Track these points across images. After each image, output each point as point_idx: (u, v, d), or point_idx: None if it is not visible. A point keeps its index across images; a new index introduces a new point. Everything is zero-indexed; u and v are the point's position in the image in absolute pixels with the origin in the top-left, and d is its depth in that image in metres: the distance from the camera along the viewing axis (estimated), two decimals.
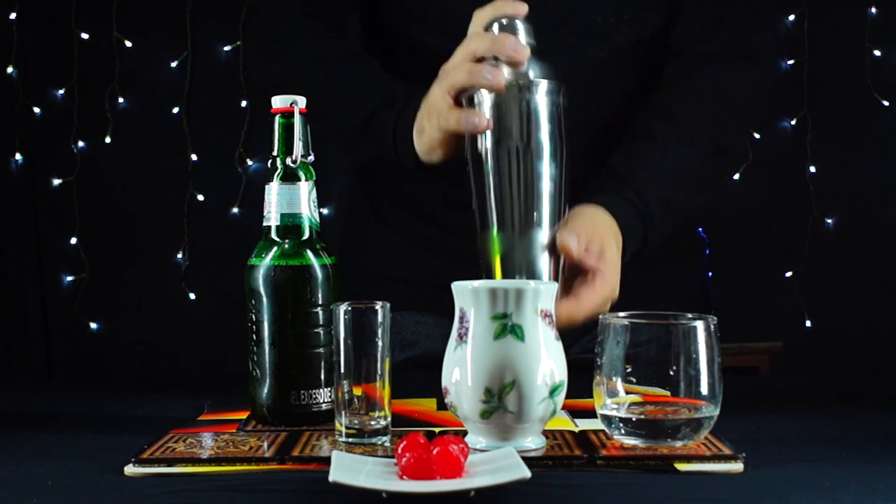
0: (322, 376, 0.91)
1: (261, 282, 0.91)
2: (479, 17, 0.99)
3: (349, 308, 0.83)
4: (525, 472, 0.67)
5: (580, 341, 1.20)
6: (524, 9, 0.97)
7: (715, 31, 1.20)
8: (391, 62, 1.20)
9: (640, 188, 1.09)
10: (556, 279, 0.97)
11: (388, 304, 0.84)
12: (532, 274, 0.96)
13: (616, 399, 0.81)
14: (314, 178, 0.94)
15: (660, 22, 1.20)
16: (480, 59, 0.97)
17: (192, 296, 3.24)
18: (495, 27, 0.98)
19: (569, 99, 0.98)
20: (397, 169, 1.12)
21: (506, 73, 0.95)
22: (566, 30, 1.15)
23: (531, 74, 0.96)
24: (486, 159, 0.96)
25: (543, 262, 0.96)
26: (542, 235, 0.96)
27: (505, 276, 0.96)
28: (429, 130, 1.03)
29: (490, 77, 0.94)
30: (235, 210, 3.23)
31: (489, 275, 0.97)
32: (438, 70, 1.01)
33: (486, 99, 0.97)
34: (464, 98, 0.99)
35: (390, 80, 1.16)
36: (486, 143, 0.96)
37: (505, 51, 0.95)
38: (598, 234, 1.01)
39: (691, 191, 1.17)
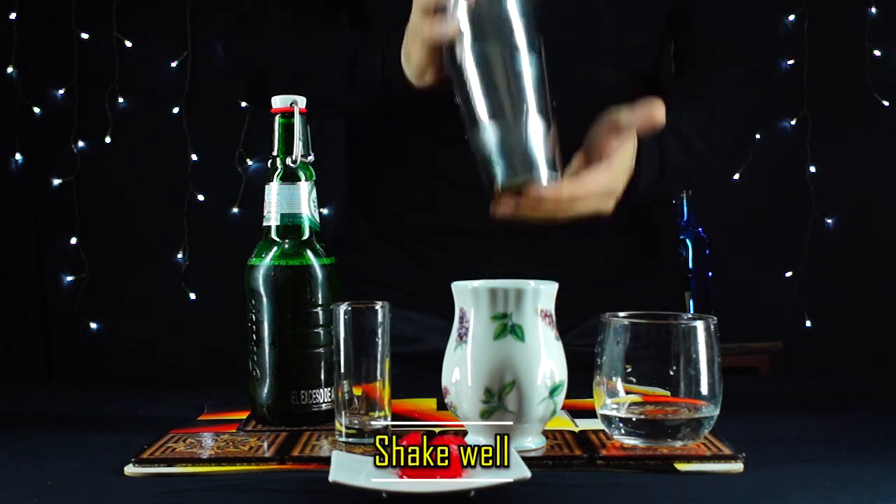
0: (322, 376, 0.91)
1: (261, 282, 0.91)
2: None
3: (349, 308, 0.83)
4: (525, 472, 0.67)
5: (573, 330, 1.20)
6: None
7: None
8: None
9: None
10: (554, 165, 0.98)
11: (388, 304, 0.84)
12: (529, 160, 0.97)
13: (616, 399, 0.81)
14: (314, 178, 0.94)
15: (644, 66, 1.21)
16: None
17: (193, 296, 3.23)
18: None
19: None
20: (390, 111, 1.13)
21: None
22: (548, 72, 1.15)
23: None
24: (464, 63, 0.97)
25: (539, 148, 0.96)
26: (533, 122, 0.97)
27: (505, 164, 0.97)
28: (414, 52, 1.05)
29: None
30: (235, 210, 3.23)
31: (487, 169, 0.97)
32: None
33: (459, 5, 0.98)
34: (438, 11, 1.00)
35: (363, 32, 1.19)
36: (463, 47, 0.98)
37: None
38: (620, 130, 1.05)
39: (704, 144, 1.20)
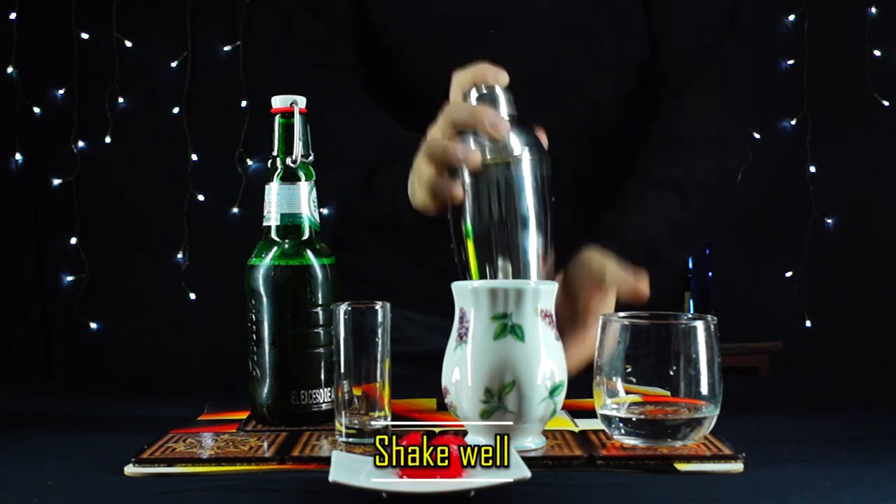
0: (322, 376, 0.91)
1: (261, 282, 0.91)
2: (459, 80, 0.97)
3: (349, 308, 0.83)
4: (525, 472, 0.67)
5: None
6: (504, 78, 0.95)
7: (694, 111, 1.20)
8: (390, 104, 1.20)
9: (626, 240, 1.08)
10: None
11: (388, 304, 0.84)
12: None
13: (616, 399, 0.81)
14: (314, 178, 0.94)
15: (638, 83, 1.20)
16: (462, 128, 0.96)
17: (192, 296, 3.24)
18: (474, 94, 0.96)
19: (552, 168, 0.96)
20: (399, 223, 1.12)
21: (485, 146, 0.94)
22: (544, 87, 1.14)
23: (511, 146, 0.94)
24: (466, 228, 0.96)
25: None
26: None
27: None
28: (418, 193, 1.03)
29: (463, 156, 0.93)
30: (235, 210, 3.23)
31: None
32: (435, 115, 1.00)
33: (465, 170, 0.95)
34: (445, 167, 0.97)
35: (391, 129, 1.16)
36: (466, 214, 0.95)
37: (484, 127, 0.93)
38: (602, 288, 1.02)
39: (678, 244, 1.17)
